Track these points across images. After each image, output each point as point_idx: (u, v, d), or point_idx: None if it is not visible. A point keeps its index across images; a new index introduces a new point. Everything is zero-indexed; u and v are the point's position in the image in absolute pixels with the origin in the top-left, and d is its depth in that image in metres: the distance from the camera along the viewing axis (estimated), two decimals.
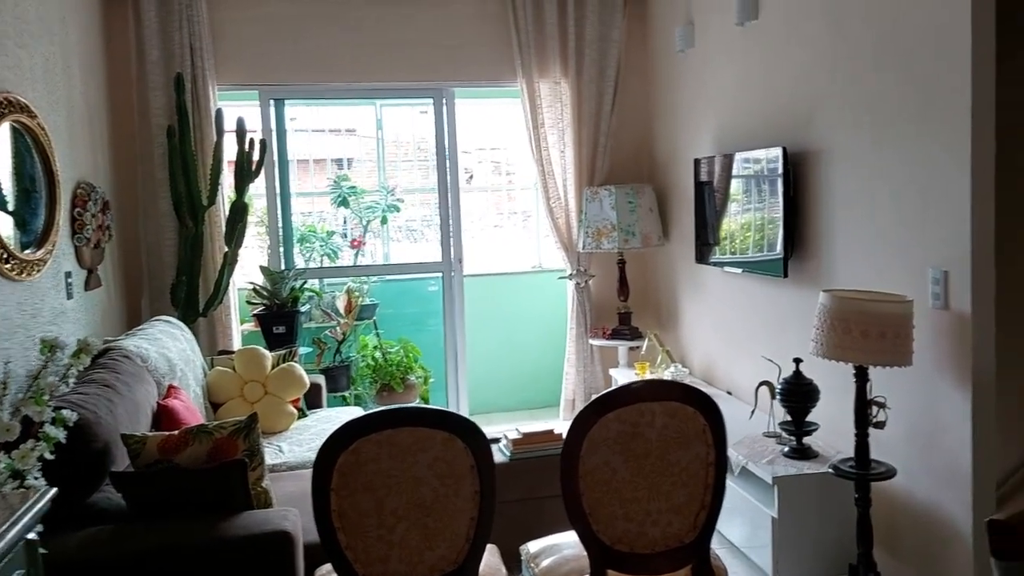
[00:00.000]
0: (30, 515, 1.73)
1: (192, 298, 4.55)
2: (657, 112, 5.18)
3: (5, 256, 2.98)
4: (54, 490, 1.87)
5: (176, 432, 2.59)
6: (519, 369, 5.93)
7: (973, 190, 2.65)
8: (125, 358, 3.15)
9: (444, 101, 5.16)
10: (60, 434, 2.09)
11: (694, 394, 2.24)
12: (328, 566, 2.48)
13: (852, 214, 3.27)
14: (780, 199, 3.59)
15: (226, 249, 4.65)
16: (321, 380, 4.54)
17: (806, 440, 3.28)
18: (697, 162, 4.42)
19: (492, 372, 5.84)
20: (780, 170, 3.57)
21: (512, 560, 2.75)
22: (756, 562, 3.29)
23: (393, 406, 2.15)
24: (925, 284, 2.85)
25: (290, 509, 2.52)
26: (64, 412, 2.16)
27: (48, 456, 2.06)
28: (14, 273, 3.04)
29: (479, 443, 2.17)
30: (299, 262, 5.48)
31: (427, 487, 2.15)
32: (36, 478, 2.01)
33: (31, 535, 1.78)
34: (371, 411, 2.13)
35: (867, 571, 2.92)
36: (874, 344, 2.68)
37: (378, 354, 5.32)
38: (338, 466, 2.09)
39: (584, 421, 2.24)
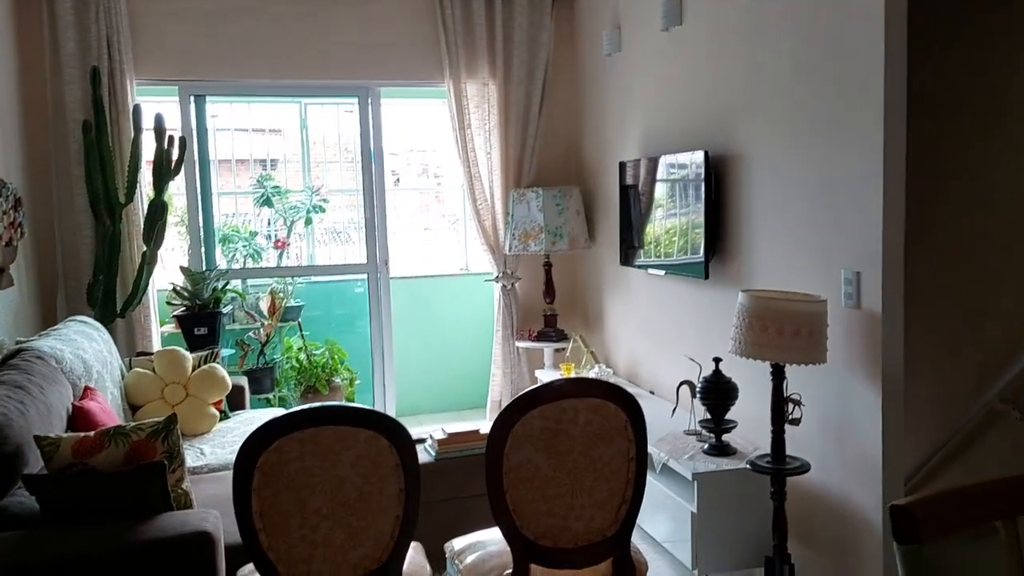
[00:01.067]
0: None
1: (110, 298, 4.42)
2: (585, 115, 5.25)
3: None
4: None
5: (91, 434, 2.52)
6: (446, 371, 5.94)
7: (884, 193, 2.76)
8: (38, 359, 3.04)
9: (369, 100, 5.13)
10: None
11: (616, 391, 2.29)
12: (250, 566, 2.45)
13: (770, 217, 3.38)
14: (702, 202, 3.69)
15: (145, 248, 4.53)
16: (244, 382, 4.47)
17: (725, 437, 3.37)
18: (623, 165, 4.50)
19: (419, 374, 5.83)
20: (702, 174, 3.67)
21: (437, 558, 2.76)
22: (677, 557, 3.36)
23: (315, 404, 2.13)
24: (838, 284, 2.96)
25: (210, 511, 2.46)
26: None
27: None
28: None
29: (403, 441, 2.17)
30: (221, 263, 5.38)
31: (351, 485, 2.14)
32: None
33: None
34: (293, 409, 2.11)
35: (782, 563, 3.01)
36: (789, 342, 2.77)
37: (303, 356, 5.26)
38: (259, 465, 2.07)
39: (508, 418, 2.26)
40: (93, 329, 3.81)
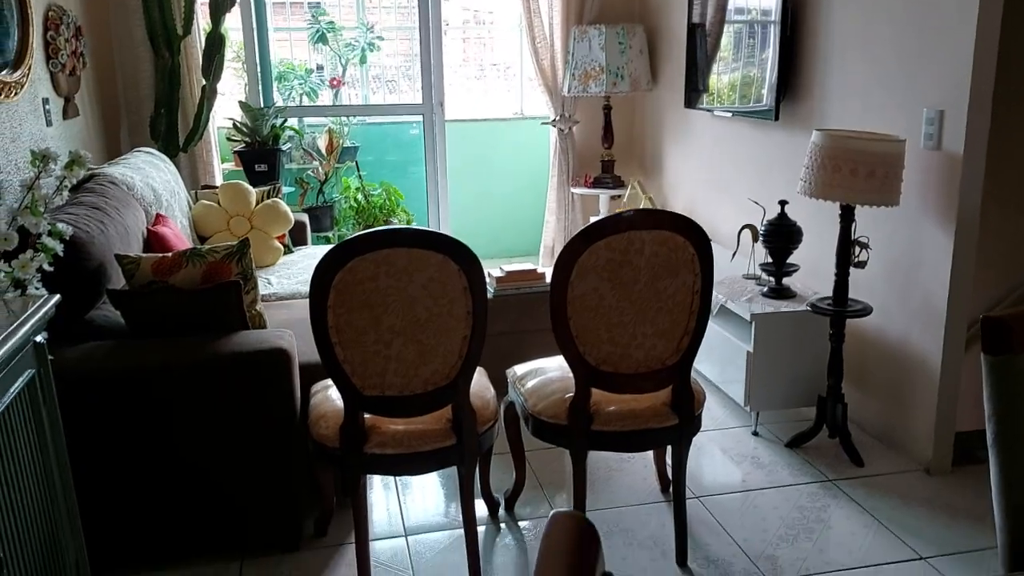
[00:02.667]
0: (37, 316, 1.76)
1: (172, 132, 4.46)
2: None
3: None
4: (57, 296, 1.89)
5: (169, 254, 2.60)
6: (500, 217, 5.95)
7: (978, 30, 2.61)
8: (111, 184, 3.11)
9: None
10: (58, 246, 2.09)
11: (685, 224, 2.28)
12: (322, 383, 2.57)
13: (849, 53, 3.23)
14: (776, 38, 3.53)
15: (204, 82, 4.51)
16: (305, 219, 4.54)
17: (785, 281, 3.36)
18: (691, 0, 4.30)
19: (473, 220, 5.85)
20: (778, 8, 3.49)
21: (497, 386, 2.86)
22: (730, 395, 3.44)
23: (389, 227, 2.16)
24: (919, 124, 2.86)
25: (284, 330, 2.57)
26: (60, 225, 2.15)
27: (47, 267, 2.06)
28: None
29: (473, 265, 2.20)
30: (278, 101, 5.35)
31: (422, 306, 2.20)
32: (37, 288, 2.03)
33: (39, 338, 1.82)
34: (367, 231, 2.14)
35: (835, 402, 3.07)
36: (863, 183, 2.71)
37: (360, 196, 5.29)
38: (335, 284, 2.13)
39: (575, 248, 2.27)
40: (159, 160, 3.87)
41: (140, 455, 2.38)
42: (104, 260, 2.60)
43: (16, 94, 3.18)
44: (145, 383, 2.34)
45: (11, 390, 1.66)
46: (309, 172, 5.20)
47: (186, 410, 2.38)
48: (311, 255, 4.10)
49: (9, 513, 1.59)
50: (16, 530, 1.62)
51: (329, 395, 2.46)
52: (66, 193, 2.16)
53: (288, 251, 4.17)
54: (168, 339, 2.47)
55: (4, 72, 3.12)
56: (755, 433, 3.32)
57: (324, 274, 2.11)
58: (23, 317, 1.71)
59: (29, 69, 3.32)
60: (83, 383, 2.27)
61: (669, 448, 2.60)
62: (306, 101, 5.68)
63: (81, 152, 2.10)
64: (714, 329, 3.47)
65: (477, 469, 2.58)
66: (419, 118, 5.33)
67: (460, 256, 2.19)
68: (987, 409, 1.16)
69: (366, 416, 2.29)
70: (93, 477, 2.30)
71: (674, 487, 2.52)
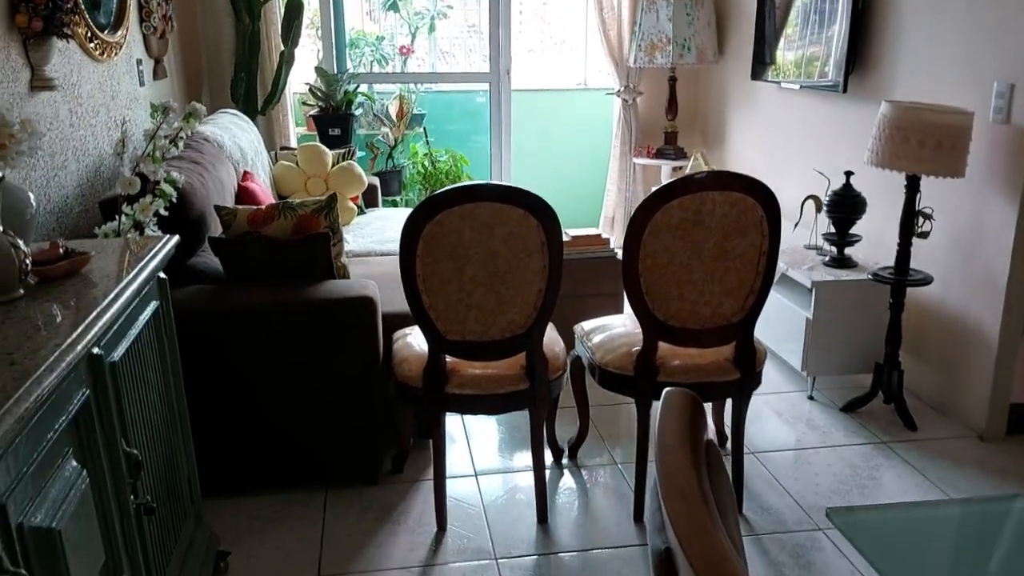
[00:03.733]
0: (163, 253, 1.94)
1: (251, 95, 4.66)
2: None
3: (89, 35, 3.08)
4: (176, 237, 2.07)
5: (263, 207, 2.79)
6: (561, 186, 6.04)
7: None
8: (204, 140, 3.31)
9: None
10: (172, 192, 2.28)
11: (756, 186, 2.38)
12: (402, 331, 2.74)
13: (921, 25, 3.27)
14: (847, 12, 3.57)
15: (282, 48, 4.70)
16: (376, 182, 4.71)
17: (847, 251, 3.43)
18: None
19: (534, 188, 5.96)
20: None
21: (566, 341, 3.00)
22: (788, 361, 3.54)
23: (475, 182, 2.31)
24: (988, 98, 2.90)
25: (368, 280, 2.74)
26: (173, 174, 2.34)
27: (163, 212, 2.25)
28: (97, 52, 3.14)
29: (551, 222, 2.34)
30: (349, 67, 5.51)
31: (502, 259, 2.34)
32: (153, 230, 2.22)
33: (161, 274, 2.01)
34: (454, 186, 2.29)
35: (892, 369, 3.16)
36: (930, 154, 2.78)
37: (428, 162, 5.45)
38: (423, 235, 2.28)
39: (649, 207, 2.39)
40: (243, 121, 4.06)
41: (238, 390, 2.59)
42: (205, 210, 2.79)
43: (116, 54, 3.38)
44: (245, 323, 2.54)
45: (142, 316, 1.85)
46: (379, 137, 5.37)
47: (280, 351, 2.57)
48: (383, 216, 4.28)
49: (142, 424, 1.78)
50: (147, 440, 1.81)
51: (409, 341, 2.63)
52: (182, 144, 2.34)
53: (361, 212, 4.35)
54: (263, 285, 2.66)
55: (106, 32, 3.32)
56: (810, 397, 3.42)
57: (415, 225, 2.27)
58: (152, 251, 1.89)
59: (127, 30, 3.52)
60: (190, 321, 2.47)
61: (728, 405, 2.72)
62: (376, 68, 5.84)
63: (197, 105, 2.28)
64: (774, 296, 3.55)
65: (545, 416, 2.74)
66: (486, 86, 5.46)
67: (540, 212, 2.32)
68: None
69: (447, 359, 2.45)
70: (198, 408, 2.51)
71: (733, 439, 2.64)
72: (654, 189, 2.43)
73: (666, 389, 0.84)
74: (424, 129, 5.56)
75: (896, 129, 2.82)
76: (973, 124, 2.80)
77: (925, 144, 2.77)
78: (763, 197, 2.38)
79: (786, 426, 3.21)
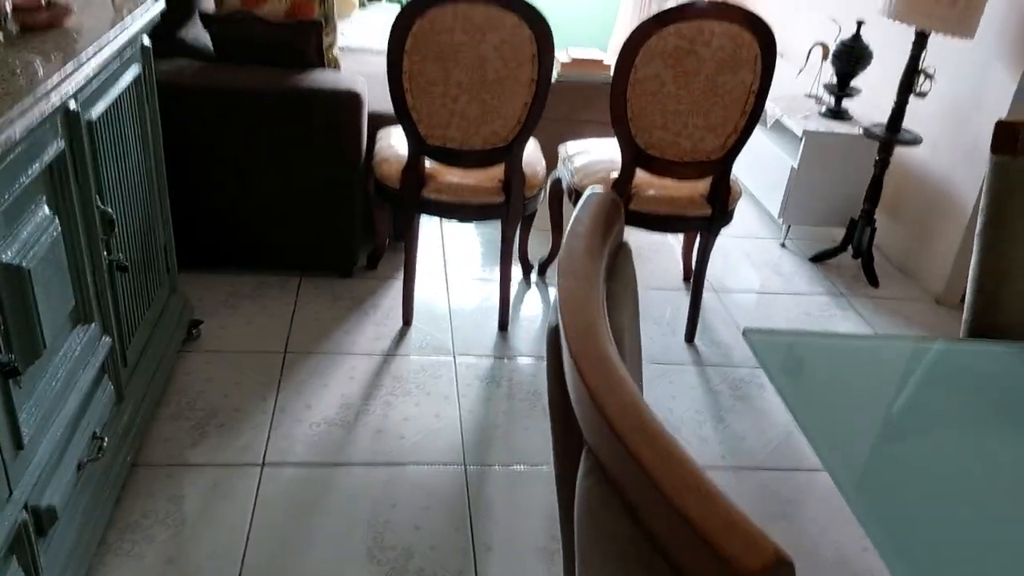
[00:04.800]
0: (147, 17, 1.93)
1: None
2: None
3: None
4: (162, 2, 2.04)
5: None
6: (571, 4, 5.84)
7: None
8: None
9: None
10: None
11: (755, 20, 2.33)
12: (385, 131, 2.76)
13: None
14: None
15: None
16: None
17: (845, 103, 3.40)
18: None
19: (542, 5, 5.75)
20: None
21: (549, 160, 3.03)
22: (766, 207, 3.59)
23: None
24: None
25: (358, 75, 2.72)
26: None
27: None
28: None
29: (544, 33, 2.31)
30: None
31: (491, 66, 2.33)
32: None
33: (145, 40, 2.00)
34: None
35: (865, 224, 3.22)
36: (944, 10, 2.70)
37: None
38: (413, 31, 2.25)
39: (644, 31, 2.35)
40: None
41: (219, 168, 2.63)
42: None
43: None
44: (230, 103, 2.54)
45: (123, 79, 1.86)
46: None
47: (264, 134, 2.59)
48: (383, 8, 4.17)
49: (119, 186, 1.84)
50: (123, 203, 1.87)
51: (392, 143, 2.65)
52: None
53: (362, 5, 4.23)
54: (251, 66, 2.64)
55: None
56: (782, 245, 3.49)
57: (405, 20, 2.24)
58: (135, 12, 1.88)
59: None
60: (175, 94, 2.47)
61: (697, 240, 2.79)
62: None
63: None
64: (764, 142, 3.57)
65: (518, 233, 2.81)
66: None
67: (534, 22, 2.29)
68: (982, 202, 1.31)
69: (427, 163, 2.49)
70: (180, 183, 2.56)
71: (695, 273, 2.73)
72: (654, 14, 2.38)
73: (590, 188, 0.89)
74: None
75: None
76: None
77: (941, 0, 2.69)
78: (762, 34, 2.34)
79: (753, 269, 3.31)
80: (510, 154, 2.49)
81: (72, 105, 1.53)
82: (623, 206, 0.77)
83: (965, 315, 1.37)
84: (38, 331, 1.39)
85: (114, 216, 1.77)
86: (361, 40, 3.75)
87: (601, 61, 3.84)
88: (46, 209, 1.46)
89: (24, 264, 1.33)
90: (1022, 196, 1.25)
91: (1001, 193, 1.27)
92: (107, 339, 1.76)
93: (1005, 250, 1.26)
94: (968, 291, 1.37)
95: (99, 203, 1.69)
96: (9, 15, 1.66)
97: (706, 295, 3.04)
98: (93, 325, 1.69)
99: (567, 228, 0.83)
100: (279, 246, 2.80)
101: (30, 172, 1.37)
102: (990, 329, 1.31)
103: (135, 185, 1.97)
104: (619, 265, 0.89)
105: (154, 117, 2.10)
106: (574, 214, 0.84)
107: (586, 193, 0.88)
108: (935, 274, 3.17)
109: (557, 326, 0.72)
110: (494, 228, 3.32)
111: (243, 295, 2.73)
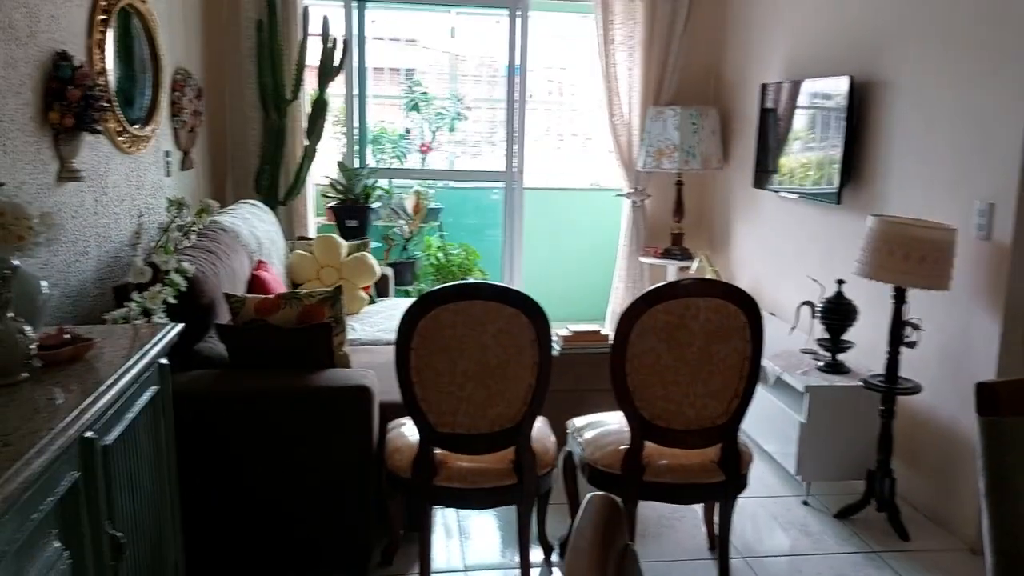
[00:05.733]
0: (164, 341, 2.05)
1: (273, 187, 4.86)
2: (729, 34, 5.25)
3: (120, 130, 3.28)
4: (181, 325, 2.18)
5: (271, 296, 2.91)
6: (570, 282, 6.18)
7: None
8: (222, 231, 3.46)
9: (519, 12, 5.29)
10: (182, 282, 2.41)
11: (737, 293, 2.47)
12: (397, 421, 2.81)
13: (909, 145, 3.40)
14: (842, 130, 3.72)
15: (307, 143, 4.93)
16: (390, 272, 4.85)
17: (840, 357, 3.49)
18: (764, 87, 4.53)
19: (545, 282, 6.07)
20: (844, 101, 3.69)
21: (559, 436, 3.05)
22: (783, 465, 3.55)
23: (468, 281, 2.41)
24: (971, 215, 3.00)
25: (367, 370, 2.83)
26: (184, 264, 2.47)
27: (171, 300, 2.37)
28: (126, 145, 3.34)
29: (540, 320, 2.44)
30: (371, 162, 5.74)
31: (492, 354, 2.43)
32: (161, 317, 2.34)
33: (163, 360, 2.11)
34: (449, 284, 2.40)
35: (883, 476, 3.17)
36: (914, 267, 2.86)
37: (441, 254, 5.61)
38: (418, 329, 2.39)
39: (635, 310, 2.49)
40: (263, 212, 4.24)
41: (233, 476, 2.65)
42: (215, 297, 2.92)
43: (144, 147, 3.58)
44: (242, 408, 2.63)
45: (139, 401, 1.94)
46: (395, 229, 5.55)
47: (276, 436, 2.64)
48: (393, 306, 4.40)
49: (131, 505, 1.85)
50: (134, 521, 1.88)
51: (403, 432, 2.70)
52: (194, 236, 2.48)
53: (372, 301, 4.48)
54: (265, 371, 2.75)
55: (136, 126, 3.53)
56: (805, 503, 3.41)
57: (411, 320, 2.37)
58: (154, 340, 2.00)
59: (157, 125, 3.74)
60: (190, 404, 2.56)
61: (717, 507, 2.74)
62: (396, 164, 6.07)
63: (210, 202, 2.43)
64: (770, 400, 3.61)
65: (535, 513, 2.77)
66: (501, 184, 5.65)
67: (530, 310, 2.42)
68: (980, 463, 1.32)
69: (437, 451, 2.51)
70: (193, 494, 2.57)
71: (720, 542, 2.65)
72: (641, 293, 2.53)
73: (589, 494, 0.91)
74: (439, 223, 5.74)
75: (883, 242, 2.92)
76: (957, 239, 2.90)
77: (910, 257, 2.86)
78: (744, 304, 2.46)
79: (780, 530, 3.21)
80: (519, 434, 2.52)
81: (88, 434, 1.59)
82: (623, 492, 0.77)
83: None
84: None
85: (124, 540, 1.76)
86: (372, 333, 3.93)
87: (599, 332, 3.99)
88: (56, 543, 1.46)
89: None
90: (1018, 454, 1.26)
91: (997, 452, 1.28)
92: None
93: (1015, 509, 1.25)
94: (987, 554, 1.34)
95: (109, 528, 1.69)
96: (34, 352, 1.77)
97: (735, 563, 2.93)
98: None
99: (571, 537, 0.84)
100: (293, 550, 2.75)
101: (43, 508, 1.40)
102: None
103: (147, 504, 1.98)
104: (625, 570, 0.89)
105: (168, 432, 2.16)
106: (575, 524, 0.86)
107: (584, 500, 0.90)
108: (966, 521, 3.07)
109: None
110: (511, 509, 3.26)
111: None
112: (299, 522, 2.72)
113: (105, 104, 2.91)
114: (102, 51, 3.06)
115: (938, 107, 3.22)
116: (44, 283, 1.90)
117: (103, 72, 3.06)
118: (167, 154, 3.96)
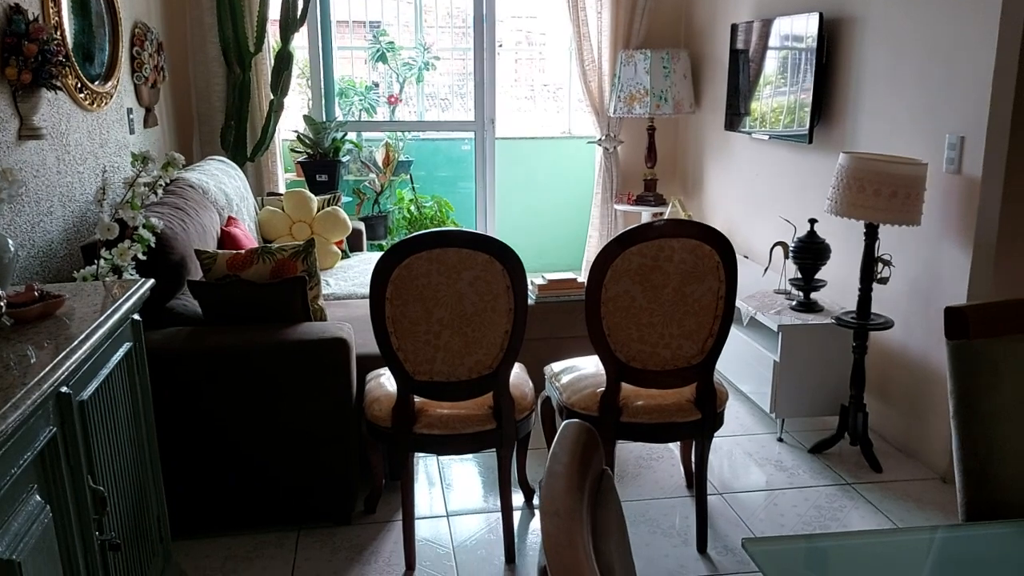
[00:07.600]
0: (136, 296, 2.03)
1: (240, 143, 4.78)
2: None
3: (79, 86, 3.20)
4: (152, 280, 2.16)
5: (243, 251, 2.88)
6: (545, 232, 6.18)
7: (997, 57, 2.78)
8: (189, 187, 3.41)
9: None
10: (151, 237, 2.37)
11: (711, 233, 2.48)
12: (375, 372, 2.82)
13: (880, 81, 3.40)
14: (812, 68, 3.71)
15: (272, 97, 4.84)
16: (362, 227, 4.82)
17: (813, 295, 3.53)
18: (734, 27, 4.50)
19: (519, 234, 6.08)
20: (815, 38, 3.68)
21: (536, 384, 3.08)
22: (758, 403, 3.61)
23: (442, 228, 2.40)
24: (942, 149, 3.02)
25: (344, 323, 2.82)
26: (152, 220, 2.43)
27: (141, 256, 2.34)
28: (87, 103, 3.26)
29: (515, 266, 2.43)
30: (339, 116, 5.66)
31: (468, 301, 2.43)
32: (131, 274, 2.31)
33: (135, 316, 2.09)
34: (422, 232, 2.38)
35: (856, 411, 3.23)
36: (885, 203, 2.89)
37: (413, 208, 5.57)
38: (392, 278, 2.37)
39: (609, 253, 2.49)
40: (230, 168, 4.18)
41: (213, 430, 2.65)
42: (185, 254, 2.88)
43: (106, 103, 3.50)
44: (220, 364, 2.61)
45: (114, 357, 1.93)
46: (366, 183, 5.50)
47: (255, 391, 2.64)
48: (366, 260, 4.38)
49: (110, 461, 1.85)
50: (115, 476, 1.88)
51: (382, 382, 2.70)
52: (160, 191, 2.44)
53: (345, 256, 4.45)
54: (240, 327, 2.73)
55: (97, 83, 3.45)
56: (780, 439, 3.48)
57: (384, 269, 2.36)
58: (126, 295, 1.98)
59: (118, 81, 3.65)
60: (166, 361, 2.54)
61: (694, 446, 2.78)
62: (364, 116, 5.99)
63: (175, 155, 2.39)
64: (744, 340, 3.65)
65: (514, 458, 2.80)
66: (471, 135, 5.61)
67: (504, 257, 2.42)
68: (949, 387, 1.35)
69: (416, 399, 2.52)
70: (171, 447, 2.57)
71: (697, 479, 2.70)
72: (614, 236, 2.53)
73: (565, 421, 0.92)
74: (410, 176, 5.70)
75: (853, 179, 2.93)
76: (927, 174, 2.92)
77: (880, 193, 2.88)
78: (718, 244, 2.47)
79: (755, 466, 3.27)
80: (497, 380, 2.53)
81: (64, 390, 1.57)
82: (600, 433, 0.78)
83: (959, 498, 1.36)
84: None
85: (106, 494, 1.76)
86: (347, 287, 3.91)
87: (574, 280, 4.00)
88: (37, 496, 1.46)
89: (15, 557, 1.31)
90: (985, 376, 1.29)
91: (964, 375, 1.31)
92: None
93: (981, 430, 1.27)
94: (956, 474, 1.37)
95: (90, 482, 1.69)
96: (3, 310, 1.75)
97: (712, 499, 2.99)
98: None
99: (546, 464, 0.84)
100: (275, 501, 2.76)
101: (21, 462, 1.39)
102: (986, 509, 1.29)
103: (127, 458, 1.98)
104: (603, 494, 0.90)
105: (145, 388, 2.15)
106: (551, 449, 0.87)
107: (560, 427, 0.90)
108: (936, 451, 3.15)
109: (545, 567, 0.72)
110: (491, 455, 3.30)
111: (240, 558, 2.66)
112: (282, 474, 2.73)
113: (62, 59, 2.83)
114: (57, 4, 2.97)
115: (907, 42, 3.22)
116: (11, 241, 1.86)
117: (59, 26, 2.98)
118: (130, 111, 3.87)
